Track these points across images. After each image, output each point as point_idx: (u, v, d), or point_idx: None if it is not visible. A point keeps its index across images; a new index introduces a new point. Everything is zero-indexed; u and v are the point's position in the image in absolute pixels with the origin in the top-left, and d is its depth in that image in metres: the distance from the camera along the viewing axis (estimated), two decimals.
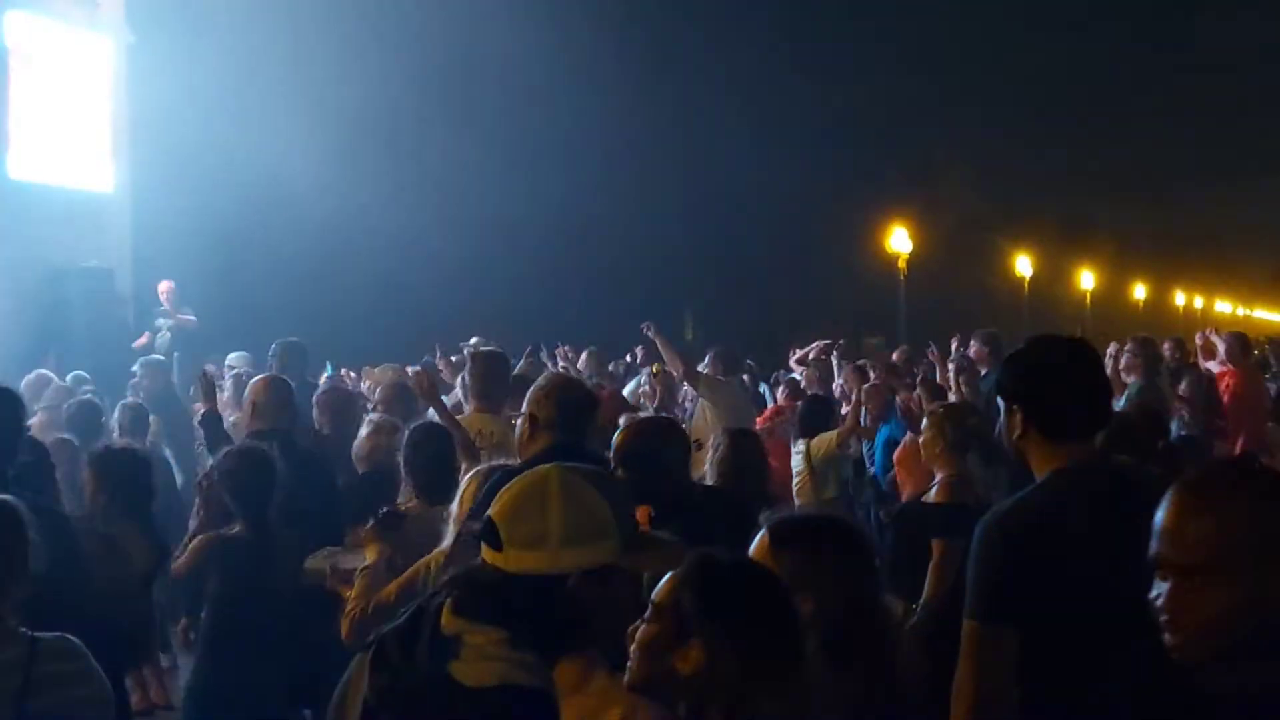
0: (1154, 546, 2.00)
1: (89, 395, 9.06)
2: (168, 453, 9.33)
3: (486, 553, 2.40)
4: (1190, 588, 1.95)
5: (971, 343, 10.69)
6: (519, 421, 4.74)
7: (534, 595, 2.34)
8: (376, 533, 4.80)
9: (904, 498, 7.32)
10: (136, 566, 5.52)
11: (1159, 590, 1.99)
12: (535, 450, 4.42)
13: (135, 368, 11.61)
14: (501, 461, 4.94)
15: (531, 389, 4.70)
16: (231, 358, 12.75)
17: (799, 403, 9.95)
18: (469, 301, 18.29)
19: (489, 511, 2.43)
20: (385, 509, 4.95)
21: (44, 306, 14.61)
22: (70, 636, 3.49)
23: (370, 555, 4.77)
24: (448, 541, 4.44)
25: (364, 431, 6.79)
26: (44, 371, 10.42)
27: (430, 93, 19.82)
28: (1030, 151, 36.82)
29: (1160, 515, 2.01)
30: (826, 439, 8.99)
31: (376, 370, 11.48)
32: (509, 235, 20.90)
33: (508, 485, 2.48)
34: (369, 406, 8.72)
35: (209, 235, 16.04)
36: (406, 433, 5.93)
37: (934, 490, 5.90)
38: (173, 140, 16.29)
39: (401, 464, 5.69)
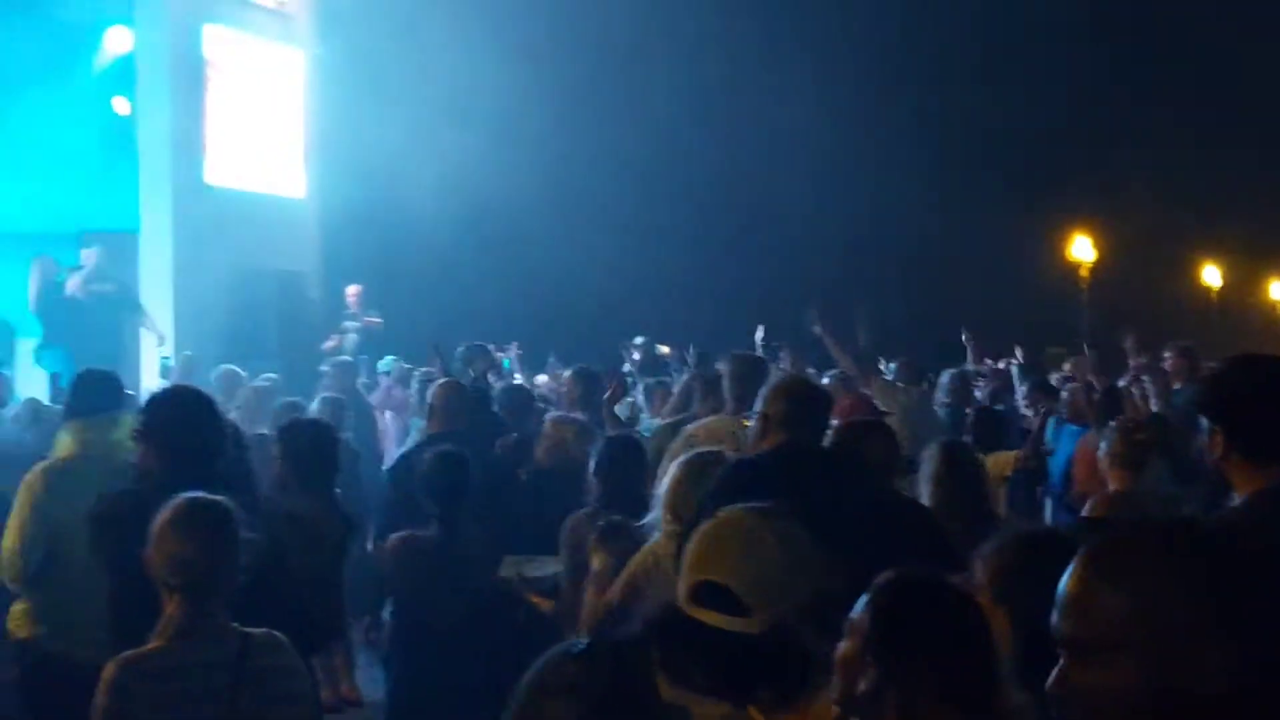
0: (1054, 619, 1.81)
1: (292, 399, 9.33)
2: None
3: (709, 616, 2.34)
4: (1086, 666, 1.76)
5: (1166, 354, 10.40)
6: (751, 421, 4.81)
7: (772, 652, 2.30)
8: (601, 542, 4.87)
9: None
10: (326, 544, 5.58)
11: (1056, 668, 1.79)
12: (767, 447, 4.49)
13: (324, 368, 11.96)
14: (709, 449, 5.00)
15: (765, 388, 4.75)
16: (384, 363, 13.04)
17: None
18: (634, 301, 18.37)
19: (706, 576, 2.38)
20: (607, 520, 5.01)
21: (237, 308, 15.09)
22: (276, 632, 3.62)
23: (596, 564, 4.84)
24: (657, 535, 4.52)
25: (546, 430, 6.91)
26: (231, 367, 10.72)
27: (607, 94, 20.03)
28: (1219, 156, 35.70)
29: (1064, 584, 1.81)
30: (1004, 459, 8.58)
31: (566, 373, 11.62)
32: (675, 237, 20.98)
33: (712, 544, 2.42)
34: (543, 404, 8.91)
35: (394, 239, 16.41)
36: (601, 441, 6.00)
37: (1091, 505, 5.77)
38: (358, 147, 16.70)
39: (592, 470, 5.76)
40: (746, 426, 5.47)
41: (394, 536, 5.63)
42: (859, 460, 4.67)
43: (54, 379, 12.08)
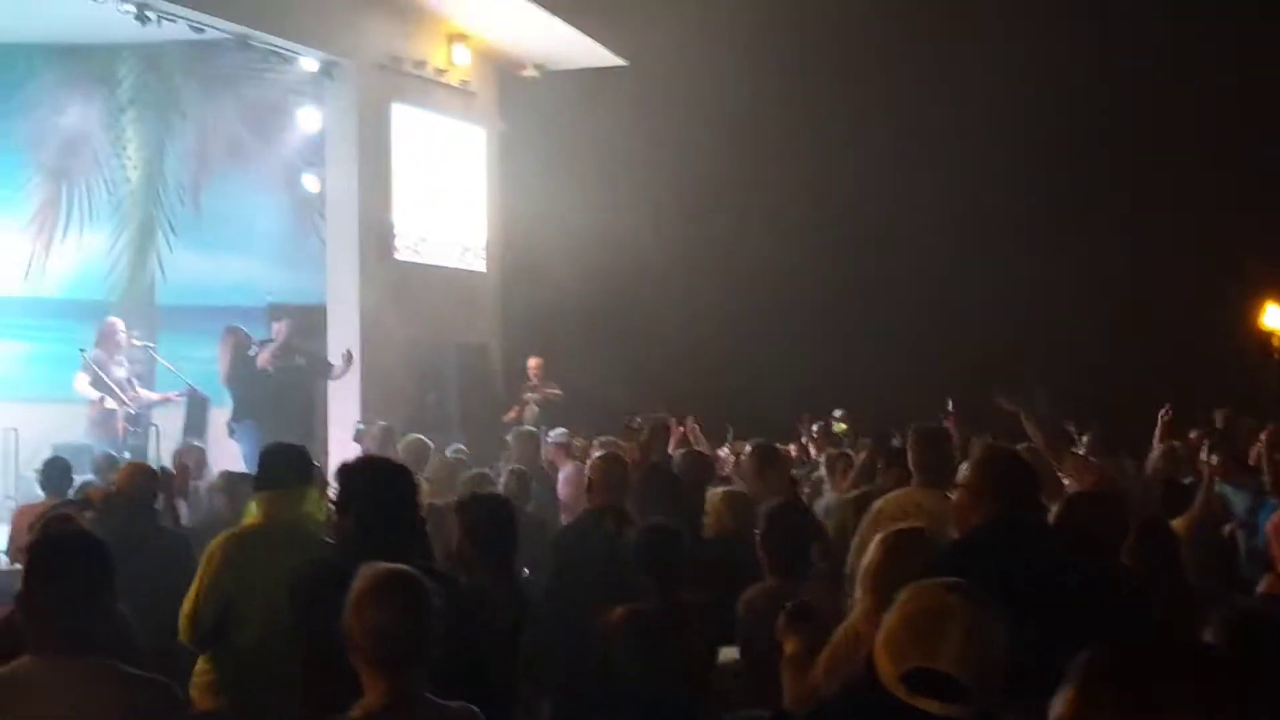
0: None
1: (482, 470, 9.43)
2: None
3: (929, 704, 2.31)
4: None
5: None
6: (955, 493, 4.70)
7: None
8: (791, 626, 4.80)
9: None
10: (501, 619, 5.46)
11: None
12: (975, 521, 4.39)
13: (507, 438, 12.07)
14: (910, 525, 4.89)
15: (972, 460, 4.67)
16: (553, 434, 13.09)
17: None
18: (828, 369, 18.19)
19: (924, 663, 2.34)
20: (793, 602, 4.93)
21: (421, 380, 15.38)
22: (472, 706, 3.61)
23: (789, 648, 4.76)
24: (858, 610, 4.43)
25: (715, 502, 6.87)
26: (420, 437, 10.90)
27: (783, 168, 20.01)
28: None
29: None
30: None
31: (745, 444, 11.54)
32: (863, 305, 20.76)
33: (925, 629, 2.37)
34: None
35: (572, 312, 16.56)
36: (764, 509, 5.94)
37: (1264, 583, 5.51)
38: (538, 220, 16.96)
39: (759, 540, 5.70)
40: (949, 498, 5.36)
41: (617, 610, 5.55)
42: (1082, 533, 4.50)
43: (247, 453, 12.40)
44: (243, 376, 13.70)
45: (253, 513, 5.90)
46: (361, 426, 12.96)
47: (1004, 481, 4.41)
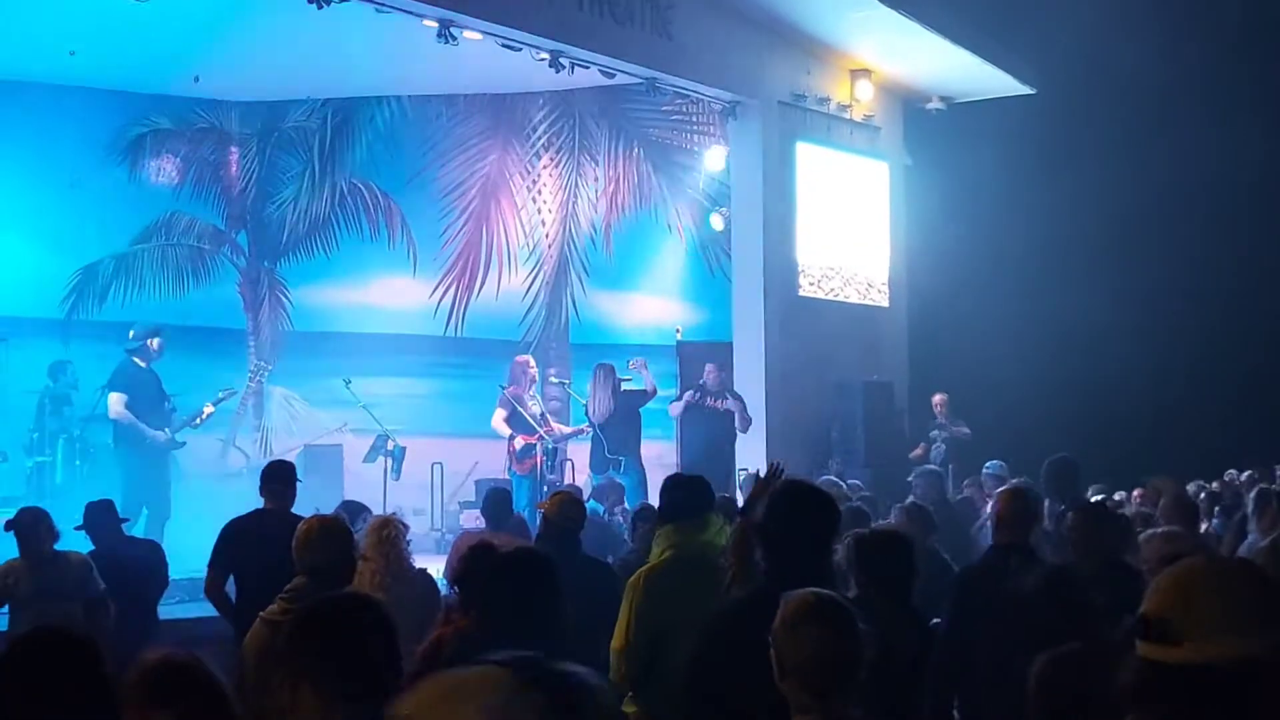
0: None
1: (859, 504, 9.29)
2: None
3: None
4: None
5: None
6: None
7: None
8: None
9: None
10: (898, 656, 5.41)
11: None
12: None
13: (911, 478, 11.86)
14: None
15: None
16: (989, 467, 12.73)
17: None
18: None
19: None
20: None
21: (828, 417, 15.31)
22: None
23: None
24: None
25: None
26: (832, 478, 10.86)
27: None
28: None
29: None
30: None
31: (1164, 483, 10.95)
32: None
33: None
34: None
35: (980, 346, 16.16)
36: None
37: None
38: (943, 254, 16.67)
39: None
40: None
41: (1042, 658, 5.33)
42: None
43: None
44: (619, 413, 13.96)
45: (658, 545, 5.96)
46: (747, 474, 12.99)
47: None
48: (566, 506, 6.95)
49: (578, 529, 6.97)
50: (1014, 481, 10.03)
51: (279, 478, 8.12)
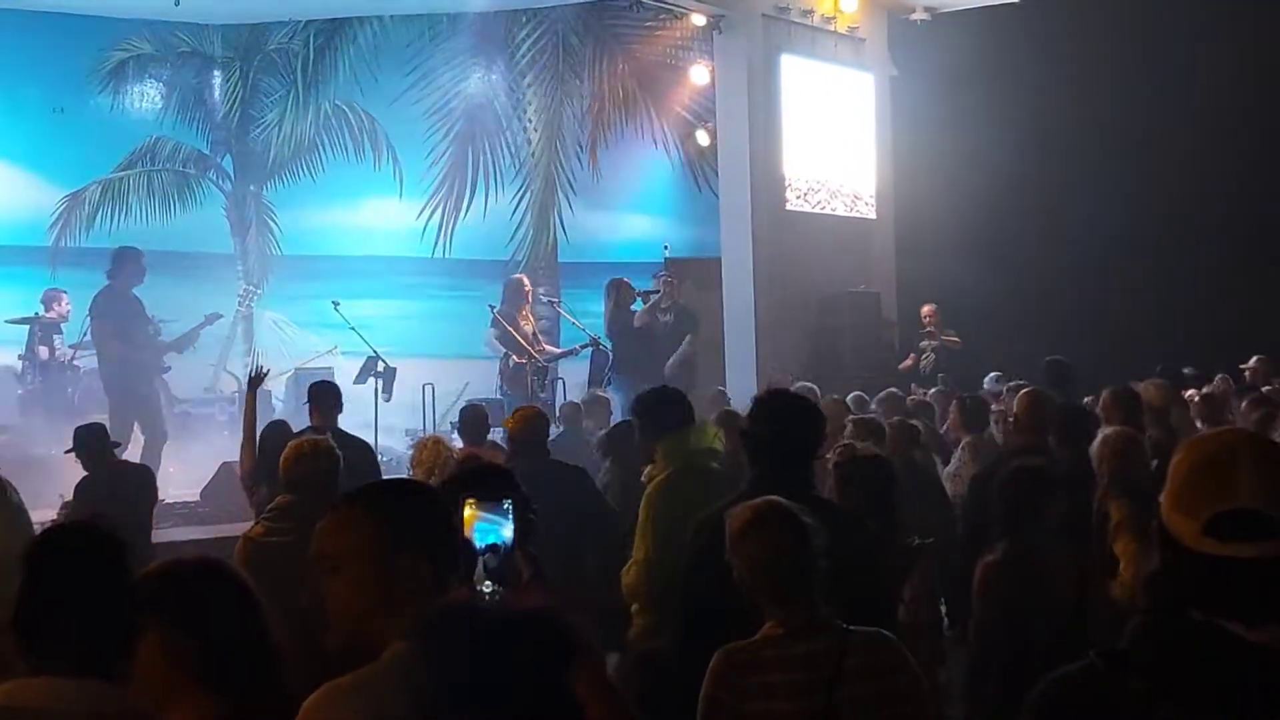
0: None
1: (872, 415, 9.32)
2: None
3: (1242, 549, 2.06)
4: None
5: None
6: None
7: None
8: None
9: None
10: (896, 562, 5.48)
11: None
12: None
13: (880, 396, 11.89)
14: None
15: None
16: (988, 380, 12.79)
17: None
18: (1238, 311, 17.10)
19: (1225, 505, 2.09)
20: None
21: (814, 331, 15.37)
22: (885, 631, 3.56)
23: None
24: None
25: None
26: (808, 384, 10.85)
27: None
28: None
29: None
30: None
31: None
32: None
33: (1212, 473, 2.13)
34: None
35: (967, 256, 16.17)
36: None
37: None
38: (929, 166, 16.64)
39: None
40: None
41: (982, 561, 5.44)
42: None
43: None
44: (621, 331, 14.06)
45: (663, 456, 5.99)
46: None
47: None
48: (529, 420, 7.04)
49: (544, 441, 7.06)
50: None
51: (329, 395, 8.42)
